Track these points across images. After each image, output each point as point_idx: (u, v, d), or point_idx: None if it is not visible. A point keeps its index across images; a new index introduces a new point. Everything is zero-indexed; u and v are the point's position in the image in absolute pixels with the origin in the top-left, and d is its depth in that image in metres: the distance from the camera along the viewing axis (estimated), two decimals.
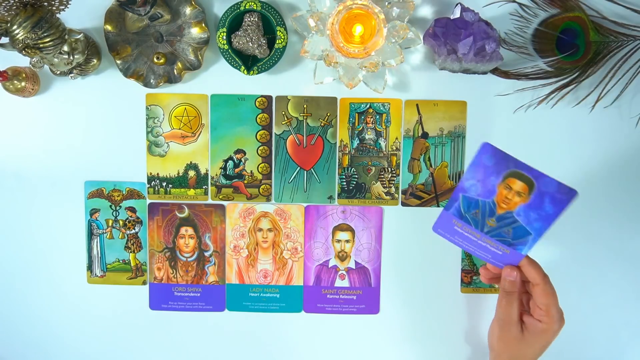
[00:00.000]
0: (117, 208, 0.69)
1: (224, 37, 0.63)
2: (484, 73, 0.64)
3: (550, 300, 0.56)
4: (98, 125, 0.68)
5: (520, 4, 0.64)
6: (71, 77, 0.64)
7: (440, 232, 0.59)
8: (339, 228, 0.69)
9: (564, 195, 0.52)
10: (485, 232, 0.56)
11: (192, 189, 0.69)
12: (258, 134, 0.68)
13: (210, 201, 0.69)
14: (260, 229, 0.70)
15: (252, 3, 0.63)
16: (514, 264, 0.58)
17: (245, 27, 0.64)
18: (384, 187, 0.69)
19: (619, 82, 0.66)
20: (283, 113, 0.68)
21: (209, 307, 0.71)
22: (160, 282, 0.70)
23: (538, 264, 0.57)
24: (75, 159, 0.68)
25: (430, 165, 0.68)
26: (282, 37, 0.63)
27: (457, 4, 0.62)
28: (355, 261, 0.70)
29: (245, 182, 0.69)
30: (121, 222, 0.69)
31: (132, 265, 0.70)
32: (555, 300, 0.57)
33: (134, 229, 0.70)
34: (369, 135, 0.68)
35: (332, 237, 0.70)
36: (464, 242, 0.59)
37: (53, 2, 0.56)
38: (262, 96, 0.67)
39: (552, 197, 0.53)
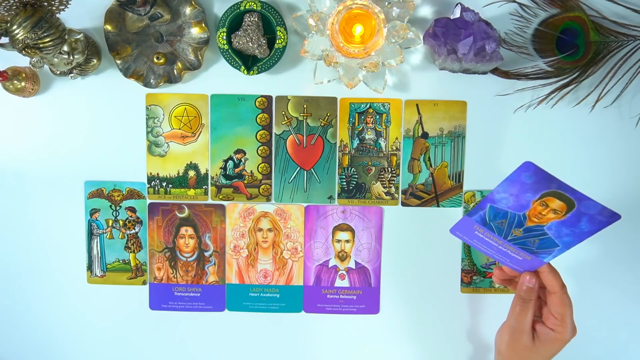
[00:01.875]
0: (117, 208, 0.69)
1: (224, 37, 0.63)
2: (484, 73, 0.64)
3: (566, 310, 0.55)
4: (98, 125, 0.68)
5: (520, 4, 0.64)
6: (71, 77, 0.64)
7: (458, 234, 0.57)
8: (339, 228, 0.69)
9: (604, 218, 0.50)
10: (509, 240, 0.54)
11: (192, 189, 0.69)
12: (258, 134, 0.68)
13: (210, 201, 0.69)
14: (260, 229, 0.70)
15: (252, 3, 0.63)
16: (532, 270, 0.57)
17: (245, 27, 0.64)
18: (384, 187, 0.69)
19: (619, 82, 0.66)
20: (283, 113, 0.68)
21: (209, 307, 0.71)
22: (160, 282, 0.70)
23: (558, 272, 0.56)
24: (76, 159, 0.68)
25: (430, 165, 0.68)
26: (282, 37, 0.63)
27: (457, 4, 0.62)
28: (355, 261, 0.70)
29: (245, 182, 0.69)
30: (121, 222, 0.69)
31: (132, 265, 0.70)
32: (571, 310, 0.56)
33: (134, 229, 0.70)
34: (369, 135, 0.68)
35: (332, 237, 0.70)
36: (482, 245, 0.57)
37: (53, 2, 0.56)
38: (262, 96, 0.67)
39: (591, 218, 0.50)
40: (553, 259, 0.55)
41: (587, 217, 0.50)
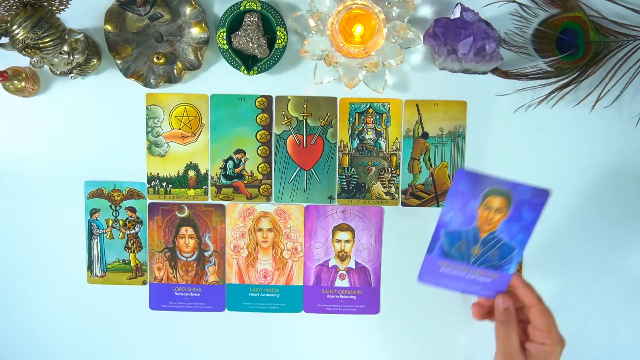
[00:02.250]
0: (117, 208, 0.69)
1: (224, 37, 0.63)
2: (484, 73, 0.64)
3: (549, 319, 0.56)
4: (98, 125, 0.68)
5: (520, 4, 0.64)
6: (71, 77, 0.64)
7: (427, 279, 0.58)
8: (339, 228, 0.69)
9: (539, 199, 0.53)
10: (472, 263, 0.56)
11: (192, 189, 0.69)
12: (258, 134, 0.68)
13: (210, 201, 0.69)
14: (260, 229, 0.70)
15: (252, 3, 0.63)
16: (505, 288, 0.57)
17: (245, 27, 0.64)
18: (384, 187, 0.69)
19: (619, 82, 0.66)
20: (283, 113, 0.68)
21: (209, 307, 0.71)
22: (160, 282, 0.70)
23: (531, 285, 0.57)
24: (76, 159, 0.68)
25: (430, 165, 0.68)
26: (282, 37, 0.63)
27: (457, 4, 0.62)
28: (355, 261, 0.70)
29: (245, 182, 0.69)
30: (121, 222, 0.70)
31: (132, 265, 0.70)
32: (554, 320, 0.56)
33: (134, 229, 0.70)
34: (369, 135, 0.68)
35: (332, 237, 0.70)
36: (451, 281, 0.58)
37: (53, 2, 0.57)
38: (262, 96, 0.67)
39: (529, 204, 0.53)
40: (521, 266, 0.56)
41: (526, 204, 0.53)
